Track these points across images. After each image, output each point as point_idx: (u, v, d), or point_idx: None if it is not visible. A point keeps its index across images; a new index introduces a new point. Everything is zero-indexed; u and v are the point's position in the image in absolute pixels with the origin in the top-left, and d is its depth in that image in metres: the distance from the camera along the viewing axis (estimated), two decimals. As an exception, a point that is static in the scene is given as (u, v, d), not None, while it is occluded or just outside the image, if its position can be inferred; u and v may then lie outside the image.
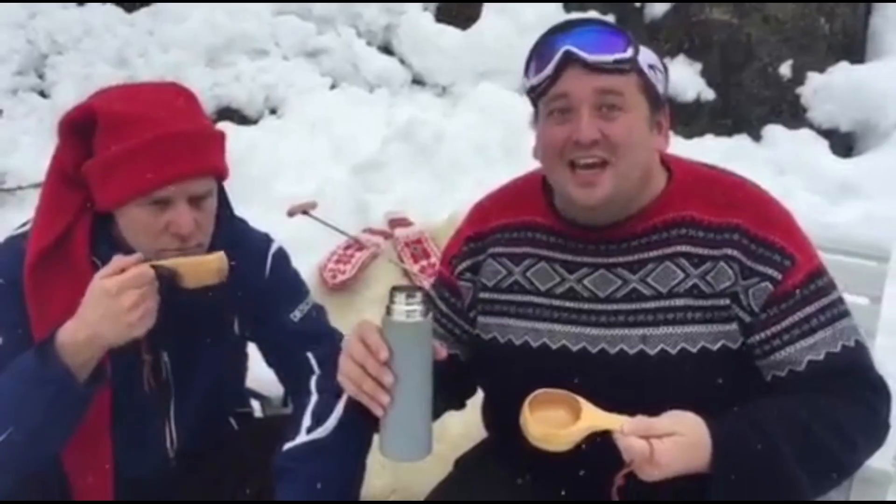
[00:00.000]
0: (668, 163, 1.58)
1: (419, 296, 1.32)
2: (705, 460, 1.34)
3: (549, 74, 1.45)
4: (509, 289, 1.60)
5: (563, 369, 1.52)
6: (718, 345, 1.47)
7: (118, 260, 1.47)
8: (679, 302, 1.48)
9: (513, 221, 1.64)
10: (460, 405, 1.75)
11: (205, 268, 1.54)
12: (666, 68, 1.54)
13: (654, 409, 1.44)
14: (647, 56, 1.47)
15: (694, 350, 1.47)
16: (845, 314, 1.51)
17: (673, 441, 1.31)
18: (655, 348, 1.48)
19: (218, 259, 1.54)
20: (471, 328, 1.67)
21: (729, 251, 1.48)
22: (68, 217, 1.58)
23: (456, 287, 1.67)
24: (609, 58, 1.42)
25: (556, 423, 1.32)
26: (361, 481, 1.70)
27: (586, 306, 1.53)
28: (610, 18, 5.41)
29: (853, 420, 1.43)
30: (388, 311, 1.33)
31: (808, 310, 1.47)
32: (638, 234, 1.52)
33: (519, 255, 1.61)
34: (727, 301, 1.47)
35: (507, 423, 1.42)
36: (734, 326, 1.47)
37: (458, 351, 1.69)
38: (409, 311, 1.31)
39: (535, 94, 1.50)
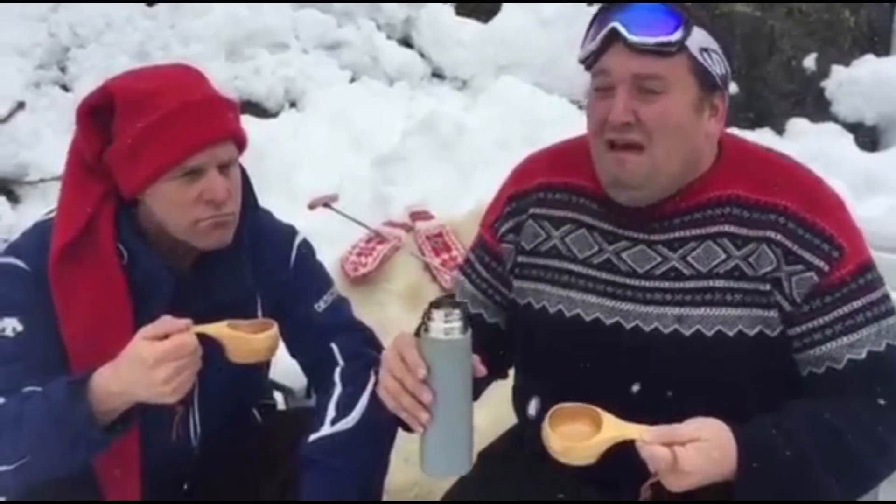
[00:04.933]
0: (722, 141, 1.53)
1: (457, 313, 1.29)
2: (731, 467, 1.30)
3: (593, 49, 1.44)
4: (547, 253, 1.57)
5: (594, 343, 1.50)
6: (756, 330, 1.43)
7: (164, 322, 1.44)
8: (719, 283, 1.44)
9: (556, 181, 1.60)
10: (504, 374, 1.71)
11: (252, 346, 1.50)
12: (728, 51, 1.47)
13: (683, 392, 1.42)
14: (700, 38, 1.42)
15: (731, 333, 1.43)
16: (892, 312, 1.45)
17: (696, 447, 1.27)
18: (691, 329, 1.44)
19: (267, 338, 1.51)
20: (510, 293, 1.63)
21: (772, 234, 1.43)
22: (90, 208, 1.58)
23: (498, 252, 1.63)
24: (651, 40, 1.39)
25: (577, 436, 1.30)
26: (385, 474, 1.69)
27: (623, 280, 1.50)
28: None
29: (889, 426, 1.39)
30: (426, 327, 1.30)
31: (855, 304, 1.42)
32: (681, 211, 1.48)
33: (559, 219, 1.57)
34: (768, 286, 1.43)
35: (537, 395, 1.40)
36: (773, 313, 1.43)
37: (499, 319, 1.66)
38: (447, 328, 1.29)
39: (585, 67, 1.48)
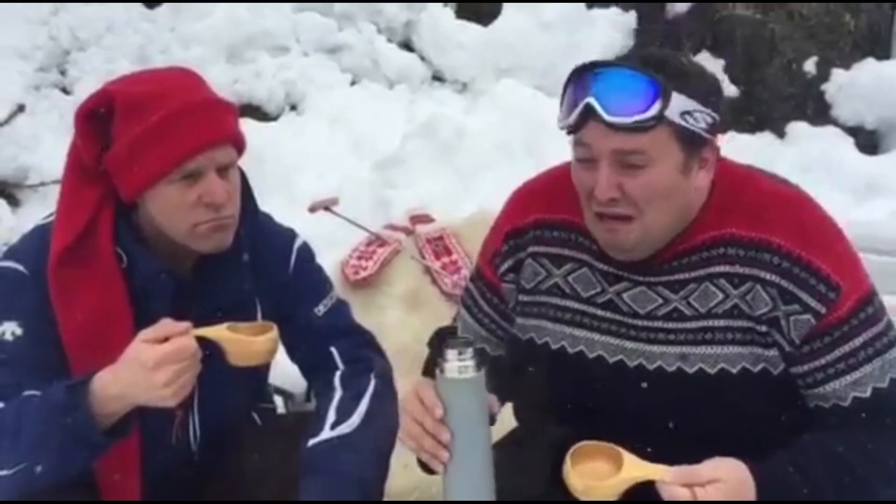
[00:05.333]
0: (714, 175, 1.50)
1: (470, 351, 1.32)
2: None
3: (571, 123, 1.41)
4: (549, 291, 1.57)
5: (598, 379, 1.50)
6: (759, 367, 1.43)
7: (164, 325, 1.44)
8: (719, 323, 1.44)
9: (553, 218, 1.59)
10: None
11: (252, 349, 1.50)
12: (714, 96, 1.43)
13: (689, 430, 1.42)
14: (680, 104, 1.37)
15: (734, 371, 1.43)
16: (894, 343, 1.44)
17: (716, 488, 1.28)
18: (694, 367, 1.45)
19: (267, 341, 1.51)
20: (512, 329, 1.63)
21: (766, 275, 1.42)
22: (89, 213, 1.57)
23: (500, 289, 1.63)
24: (628, 120, 1.34)
25: (597, 474, 1.31)
26: (386, 478, 1.69)
27: (626, 320, 1.50)
28: (632, 15, 5.39)
29: None
30: (441, 368, 1.33)
31: (856, 342, 1.41)
32: (679, 254, 1.48)
33: (560, 257, 1.57)
34: (766, 328, 1.42)
35: (538, 425, 1.40)
36: (774, 353, 1.43)
37: (502, 352, 1.66)
38: (461, 367, 1.32)
39: (566, 133, 1.46)
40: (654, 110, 1.34)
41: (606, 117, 1.35)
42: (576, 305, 1.54)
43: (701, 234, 1.47)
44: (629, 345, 1.49)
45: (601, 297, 1.53)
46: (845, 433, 1.40)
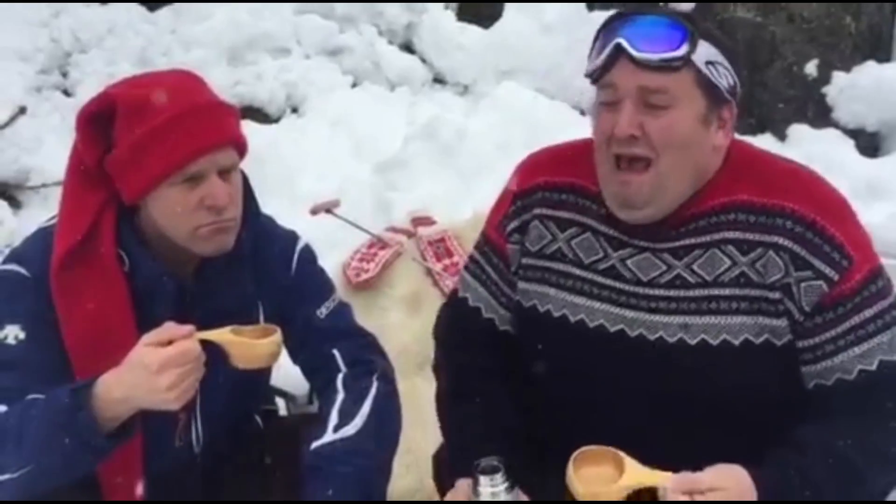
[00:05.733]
0: (729, 147, 1.52)
1: (500, 476, 1.37)
2: None
3: (599, 65, 1.44)
4: (552, 256, 1.57)
5: (598, 349, 1.50)
6: (762, 339, 1.43)
7: (167, 328, 1.44)
8: (724, 291, 1.44)
9: (561, 180, 1.60)
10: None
11: (256, 351, 1.50)
12: (736, 62, 1.47)
13: (688, 400, 1.42)
14: (705, 51, 1.41)
15: (736, 342, 1.43)
16: None
17: (718, 496, 1.28)
18: (696, 338, 1.44)
19: (270, 344, 1.51)
20: (515, 295, 1.63)
21: (779, 239, 1.42)
22: (91, 216, 1.57)
23: (506, 252, 1.63)
24: (655, 56, 1.39)
25: (600, 479, 1.33)
26: (388, 480, 1.69)
27: (628, 287, 1.50)
28: (633, 17, 5.39)
29: None
30: (476, 491, 1.39)
31: (866, 314, 1.41)
32: (686, 219, 1.48)
33: (565, 221, 1.57)
34: (778, 294, 1.42)
35: (541, 400, 1.40)
36: (783, 322, 1.42)
37: (509, 327, 1.66)
38: (493, 492, 1.37)
39: (591, 81, 1.48)
40: (681, 51, 1.39)
41: (635, 53, 1.39)
42: (578, 272, 1.54)
43: (711, 200, 1.47)
44: (630, 314, 1.49)
45: (603, 262, 1.52)
46: (844, 423, 1.39)
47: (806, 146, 4.86)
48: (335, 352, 1.75)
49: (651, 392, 1.44)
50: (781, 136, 5.06)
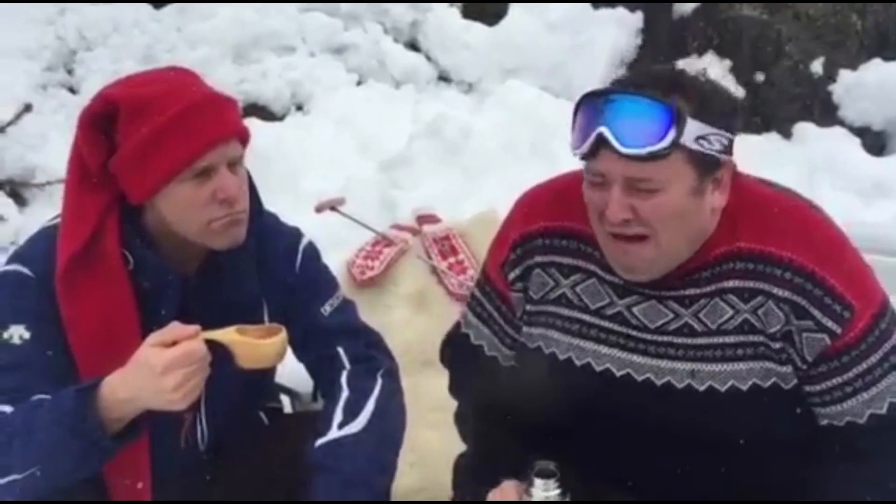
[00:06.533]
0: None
1: (555, 481, 1.38)
2: None
3: (584, 153, 1.38)
4: (556, 301, 1.55)
5: (604, 393, 1.49)
6: (770, 382, 1.42)
7: (173, 329, 1.43)
8: (729, 339, 1.43)
9: (561, 226, 1.56)
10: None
11: (261, 351, 1.50)
12: (729, 122, 1.40)
13: (696, 444, 1.41)
14: (694, 129, 1.33)
15: (744, 388, 1.42)
16: None
17: None
18: (704, 384, 1.43)
19: (276, 343, 1.50)
20: (520, 337, 1.62)
21: (779, 291, 1.40)
22: (94, 219, 1.56)
23: (508, 298, 1.61)
24: (642, 151, 1.32)
25: None
26: (393, 478, 1.68)
27: (635, 333, 1.48)
28: (638, 15, 5.38)
29: None
30: (528, 492, 1.40)
31: (872, 359, 1.39)
32: (690, 271, 1.45)
33: (568, 267, 1.55)
34: (780, 344, 1.40)
35: (544, 437, 1.40)
36: (787, 368, 1.41)
37: (514, 363, 1.64)
38: (547, 496, 1.38)
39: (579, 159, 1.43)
40: (668, 140, 1.32)
41: (620, 148, 1.32)
42: (584, 317, 1.52)
43: (711, 252, 1.45)
44: (637, 359, 1.47)
45: (610, 308, 1.51)
46: (867, 480, 1.37)
47: (811, 144, 4.85)
48: (339, 349, 1.75)
49: (657, 434, 1.43)
50: (787, 135, 5.04)
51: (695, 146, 1.34)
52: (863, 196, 4.36)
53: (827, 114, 5.04)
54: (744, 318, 1.43)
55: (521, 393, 1.61)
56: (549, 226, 1.58)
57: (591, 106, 1.37)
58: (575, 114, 1.41)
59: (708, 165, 1.37)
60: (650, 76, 1.42)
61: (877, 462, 1.39)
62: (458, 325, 1.73)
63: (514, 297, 1.61)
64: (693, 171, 1.36)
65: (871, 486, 1.37)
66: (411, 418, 1.77)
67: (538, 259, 1.57)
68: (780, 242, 1.42)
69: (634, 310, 1.49)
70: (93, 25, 5.10)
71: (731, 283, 1.43)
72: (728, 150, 1.40)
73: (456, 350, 1.73)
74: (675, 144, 1.32)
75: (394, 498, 1.74)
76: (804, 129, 5.00)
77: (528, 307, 1.59)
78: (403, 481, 2.15)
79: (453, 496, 1.70)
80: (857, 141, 4.86)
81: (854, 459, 1.39)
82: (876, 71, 5.00)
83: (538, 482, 1.38)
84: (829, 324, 1.38)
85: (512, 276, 1.60)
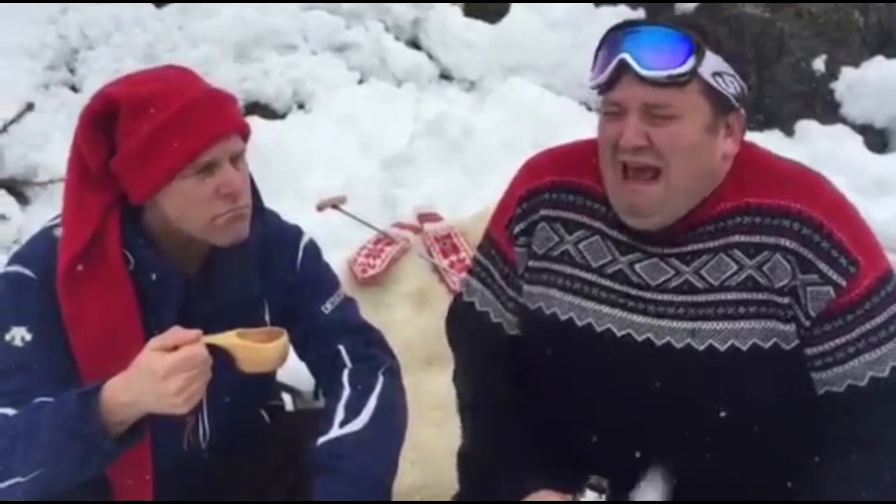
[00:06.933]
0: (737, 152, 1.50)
1: (606, 497, 1.39)
2: None
3: (604, 80, 1.42)
4: (559, 258, 1.56)
5: (605, 353, 1.49)
6: (770, 343, 1.41)
7: (174, 333, 1.44)
8: (731, 296, 1.43)
9: (568, 180, 1.58)
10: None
11: (262, 355, 1.50)
12: (742, 70, 1.45)
13: (693, 406, 1.41)
14: (712, 63, 1.39)
15: (744, 347, 1.42)
16: None
17: None
18: (704, 343, 1.43)
19: (277, 347, 1.51)
20: (521, 298, 1.62)
21: (785, 241, 1.41)
22: (96, 220, 1.56)
23: (512, 256, 1.61)
24: (662, 73, 1.37)
25: None
26: (394, 476, 1.68)
27: (635, 292, 1.48)
28: (640, 13, 5.37)
29: None
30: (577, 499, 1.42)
31: (877, 321, 1.40)
32: (695, 224, 1.46)
33: (572, 223, 1.56)
34: (787, 299, 1.41)
35: (546, 403, 1.39)
36: (790, 327, 1.41)
37: (518, 331, 1.65)
38: (597, 501, 1.40)
39: (596, 92, 1.47)
40: (688, 65, 1.37)
41: (641, 71, 1.37)
42: (585, 275, 1.53)
43: (718, 206, 1.46)
44: (638, 318, 1.48)
45: (611, 266, 1.51)
46: (866, 461, 1.37)
47: (814, 142, 4.85)
48: (341, 347, 1.75)
49: (655, 396, 1.43)
50: (789, 132, 5.04)
51: (712, 80, 1.39)
52: (865, 193, 4.35)
53: (829, 111, 5.04)
54: (748, 274, 1.43)
55: (525, 361, 1.62)
56: (556, 179, 1.59)
57: (613, 38, 1.42)
58: (597, 52, 1.45)
59: (722, 105, 1.42)
60: (671, 20, 1.49)
61: (880, 427, 1.38)
62: (458, 295, 1.74)
63: (517, 252, 1.61)
64: (708, 107, 1.40)
65: (868, 480, 1.38)
66: (412, 416, 1.77)
67: (544, 213, 1.58)
68: (789, 196, 1.44)
69: (636, 267, 1.49)
70: (94, 24, 5.11)
71: (737, 238, 1.44)
72: (740, 98, 1.44)
73: (461, 319, 1.73)
74: (694, 73, 1.37)
75: (395, 496, 1.74)
76: (806, 126, 5.00)
77: (530, 263, 1.59)
78: (405, 479, 2.15)
79: (458, 494, 1.70)
80: (859, 138, 4.86)
81: (852, 437, 1.39)
82: (878, 68, 5.00)
83: (590, 493, 1.39)
84: (835, 276, 1.39)
85: (517, 230, 1.60)
